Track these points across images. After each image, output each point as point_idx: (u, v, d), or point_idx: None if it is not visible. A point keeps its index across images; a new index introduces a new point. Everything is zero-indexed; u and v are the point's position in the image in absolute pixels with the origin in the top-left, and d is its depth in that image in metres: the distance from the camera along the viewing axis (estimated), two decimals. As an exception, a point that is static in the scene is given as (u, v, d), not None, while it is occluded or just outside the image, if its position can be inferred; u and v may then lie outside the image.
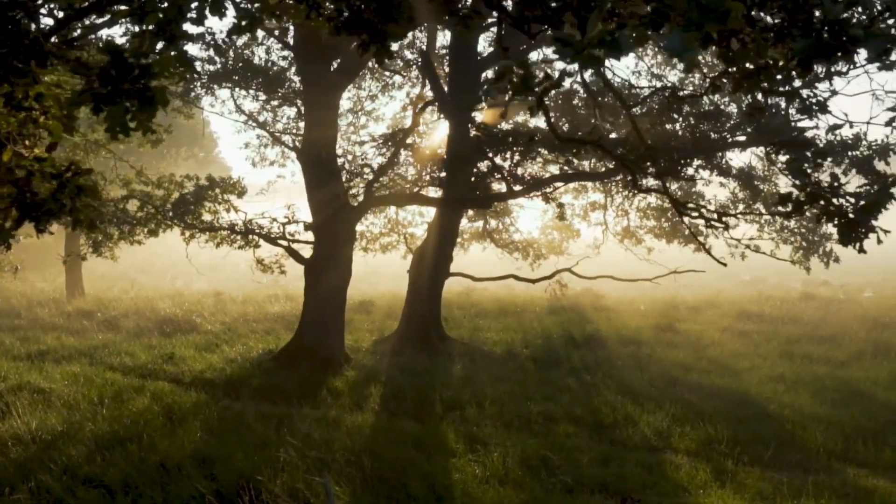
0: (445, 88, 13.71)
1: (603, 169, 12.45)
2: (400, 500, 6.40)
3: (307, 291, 12.98)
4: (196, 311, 18.37)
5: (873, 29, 2.83)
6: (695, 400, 10.47)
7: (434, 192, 13.11)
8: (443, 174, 11.61)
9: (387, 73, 17.49)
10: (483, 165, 11.57)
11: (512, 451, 7.86)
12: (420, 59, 13.33)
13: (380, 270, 29.75)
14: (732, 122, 10.70)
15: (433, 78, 12.83)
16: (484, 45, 15.17)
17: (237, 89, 13.67)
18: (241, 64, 13.12)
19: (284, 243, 13.15)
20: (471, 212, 20.34)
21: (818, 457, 8.24)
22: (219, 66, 13.35)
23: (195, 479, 6.68)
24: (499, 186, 12.70)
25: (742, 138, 10.75)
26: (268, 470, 6.69)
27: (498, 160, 11.47)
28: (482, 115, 11.60)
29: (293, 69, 13.51)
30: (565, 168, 12.34)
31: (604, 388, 11.24)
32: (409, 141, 14.70)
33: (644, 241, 19.78)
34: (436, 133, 14.99)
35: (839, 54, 2.58)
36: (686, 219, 10.73)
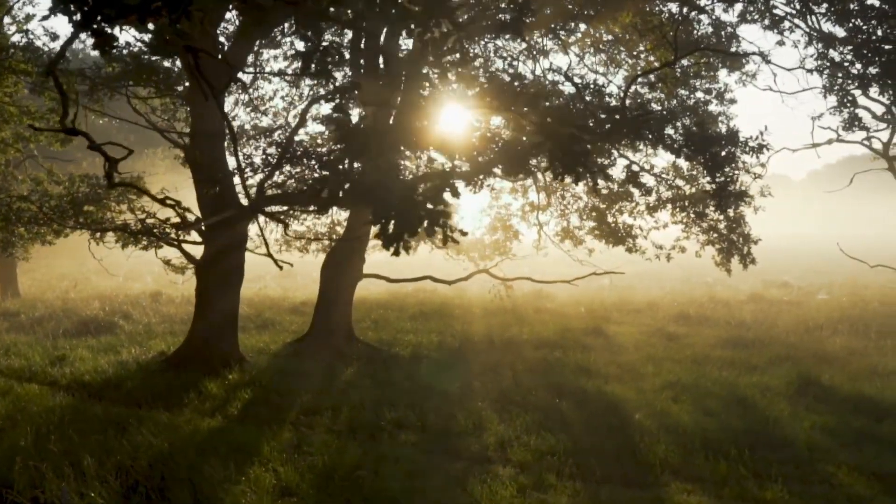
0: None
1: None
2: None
3: (197, 293, 12.75)
4: (123, 311, 18.24)
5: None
6: (564, 407, 10.08)
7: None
8: (325, 173, 11.33)
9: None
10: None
11: (325, 460, 7.56)
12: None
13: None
14: (602, 117, 10.32)
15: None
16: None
17: (132, 88, 13.47)
18: (134, 62, 12.91)
19: (176, 244, 12.93)
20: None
21: (652, 470, 7.82)
22: (117, 66, 13.19)
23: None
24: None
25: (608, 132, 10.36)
26: (26, 478, 6.45)
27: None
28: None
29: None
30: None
31: (481, 393, 10.89)
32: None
33: (585, 242, 19.38)
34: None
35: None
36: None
